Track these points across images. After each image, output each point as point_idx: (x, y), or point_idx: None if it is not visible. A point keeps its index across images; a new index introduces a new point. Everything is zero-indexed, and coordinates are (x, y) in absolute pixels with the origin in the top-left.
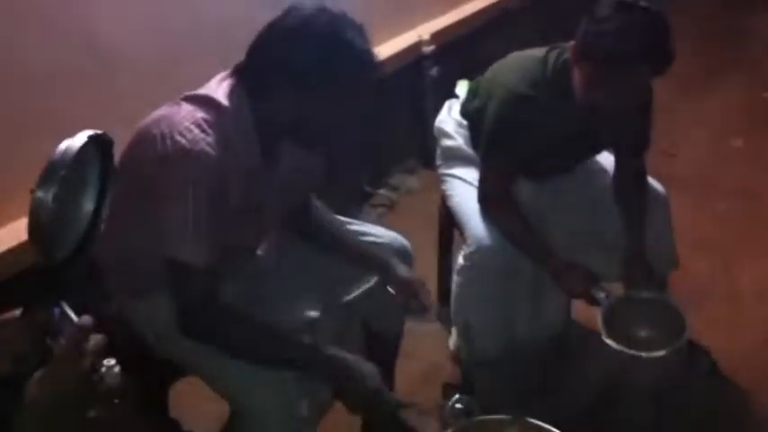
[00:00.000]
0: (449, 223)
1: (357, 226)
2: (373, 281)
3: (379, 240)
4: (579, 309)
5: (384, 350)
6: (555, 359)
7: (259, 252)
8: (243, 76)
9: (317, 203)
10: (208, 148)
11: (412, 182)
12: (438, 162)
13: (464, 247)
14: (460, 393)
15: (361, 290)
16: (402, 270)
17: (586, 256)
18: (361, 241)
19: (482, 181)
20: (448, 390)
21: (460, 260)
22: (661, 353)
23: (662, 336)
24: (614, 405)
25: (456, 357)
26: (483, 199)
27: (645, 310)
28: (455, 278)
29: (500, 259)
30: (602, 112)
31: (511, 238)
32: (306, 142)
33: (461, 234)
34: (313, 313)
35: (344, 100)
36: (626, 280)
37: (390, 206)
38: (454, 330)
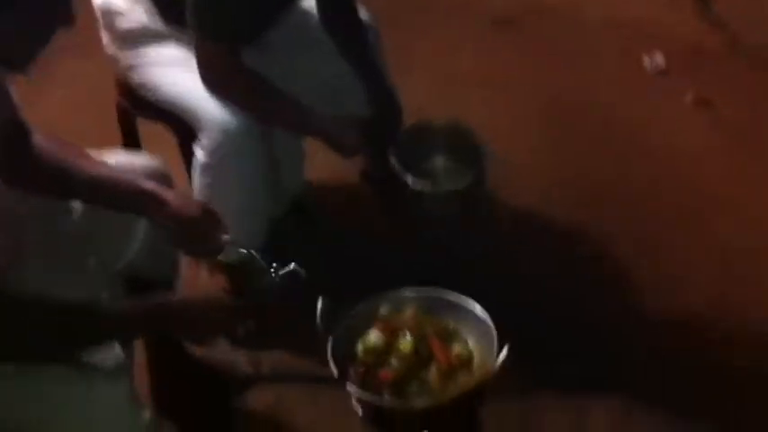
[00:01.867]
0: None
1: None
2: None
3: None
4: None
5: None
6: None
7: None
8: None
9: None
10: None
11: None
12: (110, 50)
13: (202, 141)
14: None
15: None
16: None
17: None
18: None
19: (203, 59)
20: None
21: (202, 158)
22: (456, 186)
23: (460, 166)
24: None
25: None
26: (210, 79)
27: (438, 139)
28: (200, 181)
29: (252, 140)
30: None
31: (262, 112)
32: None
33: (194, 127)
34: None
35: None
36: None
37: None
38: None
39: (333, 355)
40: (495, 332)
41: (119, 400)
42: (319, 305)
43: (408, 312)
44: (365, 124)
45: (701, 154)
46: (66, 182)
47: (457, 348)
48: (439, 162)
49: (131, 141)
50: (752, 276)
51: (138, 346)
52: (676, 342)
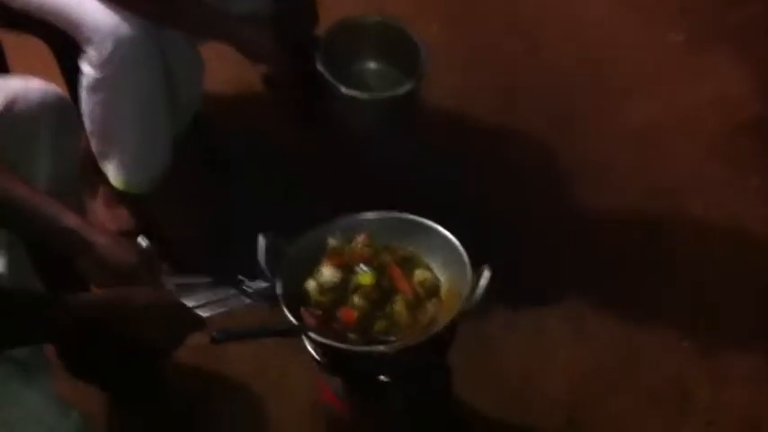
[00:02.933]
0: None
1: None
2: None
3: None
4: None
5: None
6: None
7: None
8: None
9: None
10: None
11: None
12: None
13: (89, 53)
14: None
15: None
16: None
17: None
18: None
19: None
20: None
21: (91, 73)
22: (395, 92)
23: (393, 70)
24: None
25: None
26: None
27: (369, 37)
28: (90, 100)
29: (148, 47)
30: None
31: (161, 12)
32: None
33: (77, 38)
34: None
35: None
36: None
37: None
38: (111, 163)
39: (284, 300)
40: (464, 253)
41: (40, 399)
42: (260, 243)
43: (360, 240)
44: (276, 23)
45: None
46: None
47: (420, 275)
48: (370, 65)
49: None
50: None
51: None
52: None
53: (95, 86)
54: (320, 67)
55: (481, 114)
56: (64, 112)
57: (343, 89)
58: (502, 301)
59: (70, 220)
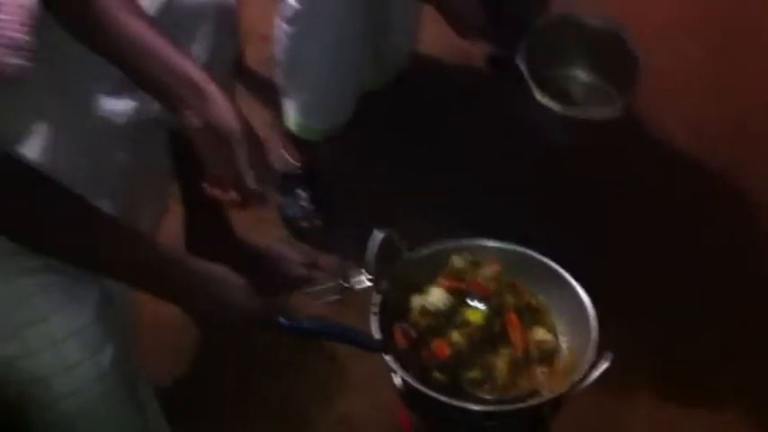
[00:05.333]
0: None
1: None
2: None
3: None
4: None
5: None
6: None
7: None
8: None
9: None
10: None
11: None
12: None
13: (284, 5)
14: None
15: None
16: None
17: None
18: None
19: None
20: (288, 184)
21: (284, 26)
22: (606, 111)
23: (602, 79)
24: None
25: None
26: None
27: (582, 39)
28: (283, 27)
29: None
30: None
31: None
32: None
33: None
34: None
35: None
36: None
37: None
38: (290, 101)
39: (379, 309)
40: (596, 330)
41: (88, 314)
42: (375, 237)
43: (489, 270)
44: None
45: None
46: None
47: (541, 335)
48: (579, 75)
49: None
50: None
51: None
52: None
53: (292, 18)
54: (520, 62)
55: (717, 160)
56: (224, 13)
57: (538, 95)
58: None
59: (195, 70)
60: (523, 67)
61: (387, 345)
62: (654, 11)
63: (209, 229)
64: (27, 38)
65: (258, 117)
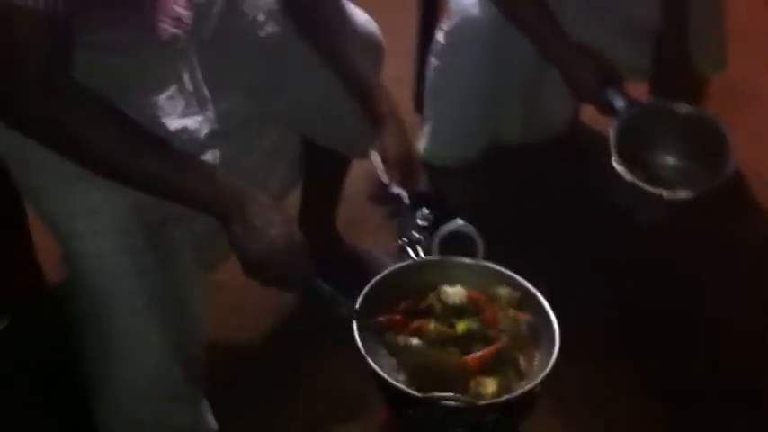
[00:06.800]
0: None
1: None
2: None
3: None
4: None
5: (327, 179)
6: (548, 170)
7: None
8: None
9: None
10: None
11: None
12: None
13: (444, 21)
14: (427, 206)
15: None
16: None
17: (606, 43)
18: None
19: None
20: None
21: (440, 39)
22: (689, 193)
23: (692, 166)
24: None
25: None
26: None
27: (674, 126)
28: (432, 62)
29: (490, 35)
30: None
31: (508, 8)
32: None
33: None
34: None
35: None
36: (655, 79)
37: None
38: (426, 129)
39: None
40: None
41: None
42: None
43: (511, 311)
44: (607, 72)
45: None
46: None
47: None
48: (668, 159)
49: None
50: None
51: None
52: None
53: (438, 52)
54: (612, 143)
55: None
56: (372, 53)
57: (618, 167)
58: None
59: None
60: (613, 149)
61: (352, 311)
62: None
63: (318, 214)
64: (186, 12)
65: None
